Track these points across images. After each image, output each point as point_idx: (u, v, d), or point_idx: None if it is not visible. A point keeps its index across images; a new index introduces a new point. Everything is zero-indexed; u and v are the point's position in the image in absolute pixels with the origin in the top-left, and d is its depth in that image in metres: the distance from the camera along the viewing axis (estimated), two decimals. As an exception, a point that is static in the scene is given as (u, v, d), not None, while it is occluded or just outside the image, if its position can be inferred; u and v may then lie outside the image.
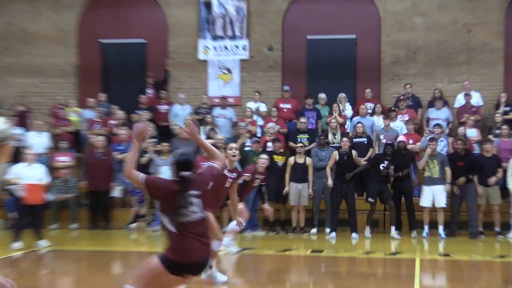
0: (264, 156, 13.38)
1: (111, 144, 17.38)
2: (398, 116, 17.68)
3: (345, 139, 16.10)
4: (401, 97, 17.70)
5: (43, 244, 13.59)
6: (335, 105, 17.97)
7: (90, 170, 17.14)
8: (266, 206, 13.82)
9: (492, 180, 15.51)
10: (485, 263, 12.55)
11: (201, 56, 19.97)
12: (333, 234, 15.57)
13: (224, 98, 19.05)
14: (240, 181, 10.57)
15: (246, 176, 11.94)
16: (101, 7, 20.55)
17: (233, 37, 19.25)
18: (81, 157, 17.88)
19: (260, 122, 18.20)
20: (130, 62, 20.36)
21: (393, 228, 15.70)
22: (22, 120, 18.60)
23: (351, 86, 19.38)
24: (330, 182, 15.56)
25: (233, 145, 10.73)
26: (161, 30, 20.26)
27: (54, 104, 19.28)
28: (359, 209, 16.21)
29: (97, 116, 18.32)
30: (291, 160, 16.36)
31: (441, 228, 15.82)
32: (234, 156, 10.19)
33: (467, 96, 17.66)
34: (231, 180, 10.19)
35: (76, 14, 20.88)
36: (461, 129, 16.68)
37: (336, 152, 15.85)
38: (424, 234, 15.79)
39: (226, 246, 12.33)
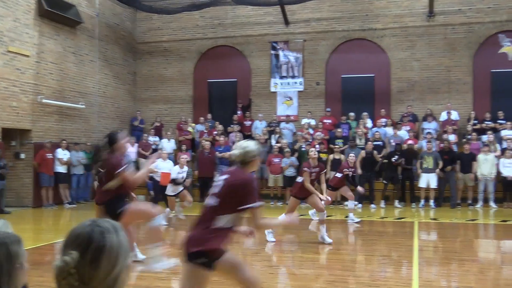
0: (352, 154, 13.24)
1: (214, 146, 18.63)
2: (403, 127, 18.70)
3: (369, 142, 17.42)
4: (405, 115, 18.36)
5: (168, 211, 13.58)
6: (360, 120, 19.38)
7: (200, 163, 18.26)
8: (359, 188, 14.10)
9: (474, 169, 16.47)
10: (461, 224, 13.02)
11: (272, 89, 21.21)
12: (360, 205, 16.02)
13: (287, 116, 20.47)
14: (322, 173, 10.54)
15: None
16: (208, 58, 21.77)
17: (293, 76, 19.51)
18: (195, 155, 19.17)
19: (311, 131, 18.49)
20: (227, 94, 21.76)
21: (396, 201, 16.81)
22: (159, 132, 20.51)
23: (371, 107, 20.41)
24: (359, 171, 16.16)
25: (312, 149, 11.03)
26: (247, 72, 21.64)
27: (178, 121, 20.89)
28: (377, 188, 17.06)
29: (205, 128, 19.72)
30: (331, 156, 17.41)
31: (431, 201, 16.59)
32: (314, 155, 10.24)
33: (449, 113, 18.89)
34: (315, 173, 10.04)
35: (193, 63, 22.08)
36: (445, 136, 17.94)
37: (363, 151, 16.92)
38: (420, 205, 16.77)
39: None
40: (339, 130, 18.47)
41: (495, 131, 17.79)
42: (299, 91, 20.92)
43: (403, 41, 20.19)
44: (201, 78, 21.82)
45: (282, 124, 19.53)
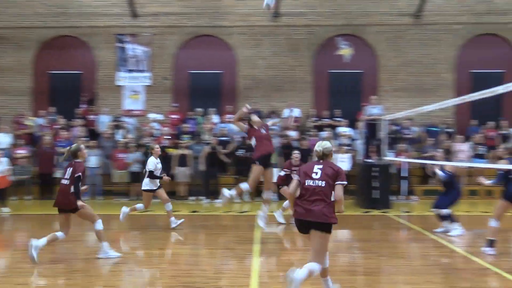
0: (297, 151, 12.66)
1: (55, 141, 17.64)
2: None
3: (213, 138, 17.41)
4: (251, 111, 18.03)
5: (6, 210, 13.78)
6: (207, 116, 19.22)
7: (40, 159, 17.25)
8: None
9: None
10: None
11: (119, 82, 20.70)
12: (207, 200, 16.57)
13: (129, 110, 20.26)
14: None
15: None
16: (50, 48, 21.01)
17: (141, 70, 19.09)
18: (35, 150, 17.89)
19: (158, 126, 17.85)
20: (70, 86, 20.74)
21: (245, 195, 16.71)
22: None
23: (218, 103, 20.69)
24: (203, 167, 16.75)
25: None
26: (92, 64, 21.00)
27: (16, 114, 19.67)
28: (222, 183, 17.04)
29: (46, 122, 18.83)
30: (177, 152, 17.28)
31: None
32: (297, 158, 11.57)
33: (292, 111, 19.26)
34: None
35: (32, 53, 21.07)
36: (287, 132, 18.35)
37: (206, 147, 17.15)
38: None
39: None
40: (186, 125, 18.45)
41: (333, 127, 18.98)
42: (146, 86, 20.63)
43: (249, 39, 20.73)
44: (41, 69, 20.69)
45: (125, 119, 19.09)
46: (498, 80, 18.99)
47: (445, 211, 10.68)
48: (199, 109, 19.57)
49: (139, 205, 11.35)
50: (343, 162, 16.76)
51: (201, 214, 13.99)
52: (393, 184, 16.46)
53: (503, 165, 8.64)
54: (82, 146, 8.74)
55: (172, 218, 11.31)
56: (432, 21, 20.64)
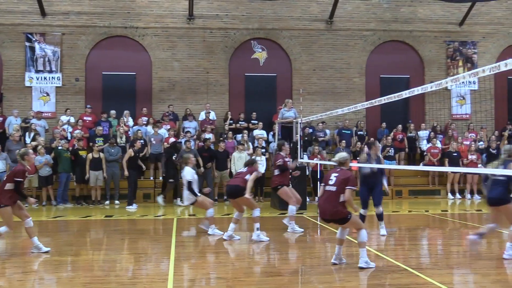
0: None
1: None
2: (164, 126, 18.94)
3: (138, 141, 17.16)
4: (166, 113, 17.96)
5: None
6: (121, 118, 17.86)
7: None
8: None
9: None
10: (218, 218, 12.91)
11: (27, 83, 19.90)
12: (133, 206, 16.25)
13: (38, 112, 19.27)
14: None
15: None
16: None
17: (51, 71, 18.35)
18: None
19: (70, 129, 17.95)
20: None
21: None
22: None
23: (132, 106, 20.56)
24: (126, 173, 16.38)
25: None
26: None
27: None
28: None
29: None
30: (90, 155, 17.02)
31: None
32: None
33: (208, 113, 19.53)
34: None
35: None
36: (203, 135, 18.71)
37: (130, 150, 16.67)
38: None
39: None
40: (99, 128, 18.08)
41: (249, 130, 19.16)
42: (56, 87, 20.04)
43: (164, 41, 20.58)
44: None
45: (34, 121, 18.32)
46: (405, 84, 19.93)
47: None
48: (113, 112, 19.22)
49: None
50: (260, 164, 16.97)
51: (116, 219, 13.76)
52: (308, 185, 16.93)
53: (409, 166, 9.03)
54: (30, 150, 9.23)
55: (212, 225, 10.79)
56: (343, 27, 21.33)
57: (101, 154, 16.78)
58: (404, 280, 6.94)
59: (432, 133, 19.96)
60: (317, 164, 16.49)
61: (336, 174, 7.53)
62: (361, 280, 7.07)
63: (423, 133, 20.33)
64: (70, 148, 16.80)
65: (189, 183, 10.47)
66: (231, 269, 7.91)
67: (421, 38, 21.77)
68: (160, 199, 15.54)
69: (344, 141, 18.75)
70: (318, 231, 11.73)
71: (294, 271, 7.87)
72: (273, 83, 21.19)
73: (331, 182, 7.51)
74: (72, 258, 8.73)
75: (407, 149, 19.86)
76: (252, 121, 19.51)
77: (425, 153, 19.47)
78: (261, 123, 19.12)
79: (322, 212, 7.69)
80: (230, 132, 18.78)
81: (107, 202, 16.92)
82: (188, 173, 10.52)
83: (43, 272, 7.80)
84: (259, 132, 18.87)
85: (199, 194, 10.65)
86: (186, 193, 10.58)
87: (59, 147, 16.76)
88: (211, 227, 10.78)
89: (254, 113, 19.67)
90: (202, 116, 19.56)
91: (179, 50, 20.60)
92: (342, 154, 7.71)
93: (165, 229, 12.00)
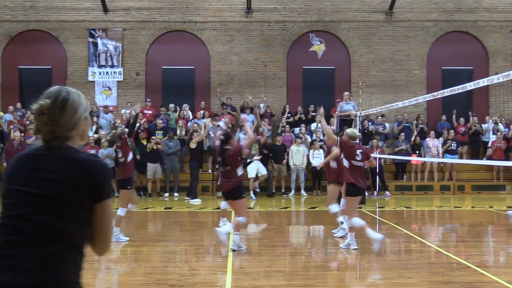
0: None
1: (25, 137, 17.30)
2: (222, 119, 18.70)
3: (195, 134, 16.56)
4: (224, 107, 18.06)
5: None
6: (180, 111, 17.95)
7: (9, 156, 16.50)
8: None
9: (284, 161, 17.26)
10: (275, 212, 13.30)
11: (90, 78, 20.57)
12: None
13: (106, 106, 19.56)
14: None
15: None
16: (19, 43, 20.75)
17: (112, 65, 18.82)
18: (3, 147, 17.98)
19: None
20: (40, 82, 19.42)
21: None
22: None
23: (191, 99, 20.65)
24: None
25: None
26: (62, 59, 20.73)
27: None
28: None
29: (14, 118, 18.60)
30: (149, 146, 17.07)
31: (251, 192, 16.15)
32: None
33: (267, 106, 19.43)
34: None
35: (0, 47, 20.76)
36: (260, 129, 18.10)
37: (198, 134, 16.03)
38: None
39: None
40: (159, 121, 18.33)
41: (307, 124, 19.05)
42: (118, 81, 20.51)
43: (222, 35, 20.70)
44: (10, 64, 20.38)
45: (101, 115, 18.78)
46: (468, 76, 19.32)
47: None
48: (172, 105, 19.46)
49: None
50: (318, 157, 16.82)
51: (176, 211, 13.98)
52: (367, 179, 16.65)
53: (472, 161, 8.75)
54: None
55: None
56: (403, 18, 20.86)
57: (160, 146, 16.84)
58: (468, 278, 6.72)
59: (497, 126, 19.24)
60: (376, 157, 16.27)
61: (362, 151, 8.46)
62: (422, 276, 6.89)
63: (487, 126, 19.69)
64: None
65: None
66: (289, 262, 7.91)
67: (486, 28, 21.04)
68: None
69: (403, 134, 18.55)
70: (377, 226, 11.56)
71: (352, 266, 7.79)
72: (331, 76, 20.98)
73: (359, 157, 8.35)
74: (132, 249, 8.93)
75: (470, 143, 19.32)
76: (312, 114, 19.28)
77: (489, 147, 18.91)
78: (319, 116, 18.91)
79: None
80: (287, 126, 18.83)
81: (167, 194, 17.16)
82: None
83: (106, 262, 8.01)
84: (317, 126, 18.73)
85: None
86: None
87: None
88: (223, 220, 10.36)
89: (312, 105, 19.48)
90: (261, 108, 19.30)
91: (237, 44, 20.67)
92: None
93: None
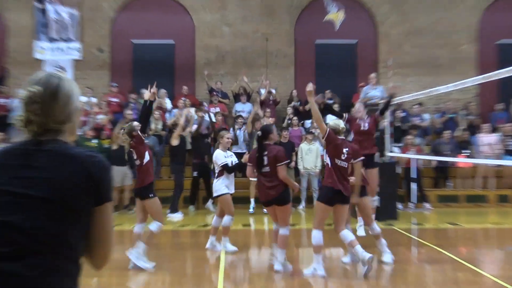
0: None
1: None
2: (211, 108, 18.60)
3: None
4: (214, 93, 17.86)
5: None
6: (157, 99, 17.49)
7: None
8: None
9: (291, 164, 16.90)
10: None
11: (37, 55, 20.30)
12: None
13: None
14: None
15: None
16: None
17: (67, 40, 18.52)
18: None
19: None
20: None
21: None
22: None
23: (170, 83, 20.22)
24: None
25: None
26: (1, 31, 20.58)
27: None
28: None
29: None
30: (114, 146, 16.82)
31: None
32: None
33: (269, 93, 19.17)
34: None
35: None
36: (263, 120, 17.97)
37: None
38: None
39: None
40: (128, 112, 17.87)
41: (322, 114, 18.74)
42: (75, 60, 20.38)
43: (210, 1, 20.51)
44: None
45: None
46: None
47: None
48: (145, 91, 19.10)
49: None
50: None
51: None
52: (399, 188, 16.58)
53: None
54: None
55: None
56: (447, -22, 20.72)
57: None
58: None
59: None
60: (412, 159, 16.06)
61: (348, 150, 8.58)
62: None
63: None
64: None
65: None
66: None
67: (555, -10, 20.89)
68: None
69: (449, 132, 18.13)
70: (413, 248, 11.35)
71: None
72: (352, 53, 20.94)
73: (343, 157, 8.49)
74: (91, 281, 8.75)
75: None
76: (327, 101, 19.04)
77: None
78: (336, 105, 18.77)
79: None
80: (295, 117, 18.63)
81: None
82: (219, 156, 10.53)
83: None
84: (334, 117, 18.39)
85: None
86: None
87: (80, 134, 16.66)
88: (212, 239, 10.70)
89: (329, 91, 19.16)
90: (261, 94, 19.24)
91: (230, 12, 20.57)
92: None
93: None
